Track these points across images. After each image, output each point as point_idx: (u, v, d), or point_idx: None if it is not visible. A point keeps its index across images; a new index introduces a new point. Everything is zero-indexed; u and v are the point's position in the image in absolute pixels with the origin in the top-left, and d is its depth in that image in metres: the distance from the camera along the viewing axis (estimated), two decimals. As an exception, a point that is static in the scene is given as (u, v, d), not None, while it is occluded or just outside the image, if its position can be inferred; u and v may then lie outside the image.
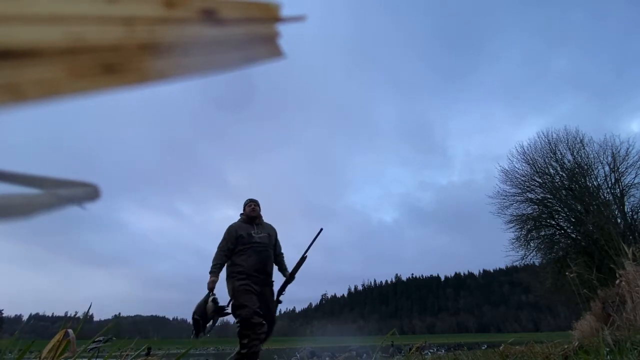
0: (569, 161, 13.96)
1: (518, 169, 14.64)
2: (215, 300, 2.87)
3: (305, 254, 3.25)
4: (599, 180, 13.51)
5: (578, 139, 13.99)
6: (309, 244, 3.28)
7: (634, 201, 12.96)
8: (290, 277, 3.23)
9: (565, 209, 13.72)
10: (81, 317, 1.72)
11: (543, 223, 14.09)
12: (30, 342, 1.51)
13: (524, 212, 14.34)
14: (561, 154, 14.09)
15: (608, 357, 1.81)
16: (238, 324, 2.85)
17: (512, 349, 2.77)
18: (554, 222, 14.02)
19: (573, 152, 13.94)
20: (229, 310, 2.96)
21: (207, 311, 2.85)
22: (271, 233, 3.24)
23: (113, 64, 0.19)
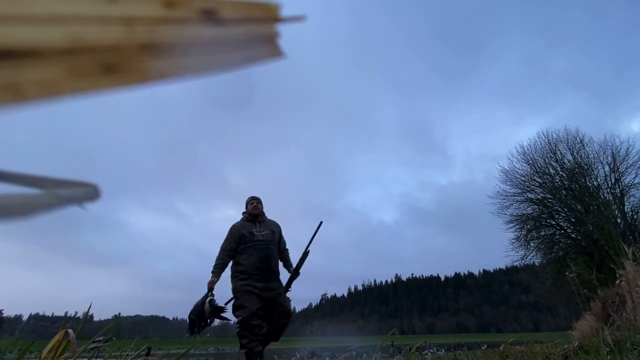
0: (569, 161, 13.97)
1: (518, 169, 14.66)
2: (212, 302, 2.87)
3: (308, 249, 3.26)
4: (599, 180, 13.53)
5: (578, 139, 14.00)
6: (310, 238, 3.29)
7: (634, 201, 12.98)
8: (294, 273, 3.23)
9: (565, 209, 13.72)
10: (81, 317, 1.72)
11: (543, 223, 14.09)
12: (30, 342, 1.51)
13: (524, 212, 14.36)
14: (561, 154, 14.10)
15: (608, 357, 1.81)
16: (238, 325, 2.87)
17: (512, 349, 2.77)
18: (554, 222, 14.02)
19: (573, 152, 13.95)
20: (228, 310, 2.96)
21: (204, 312, 2.86)
22: (274, 230, 3.23)
23: (113, 64, 0.19)
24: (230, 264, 3.11)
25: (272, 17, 0.22)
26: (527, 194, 14.36)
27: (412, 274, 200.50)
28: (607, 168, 13.43)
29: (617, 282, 4.02)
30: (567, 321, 11.12)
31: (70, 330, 1.36)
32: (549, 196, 14.05)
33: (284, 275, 3.27)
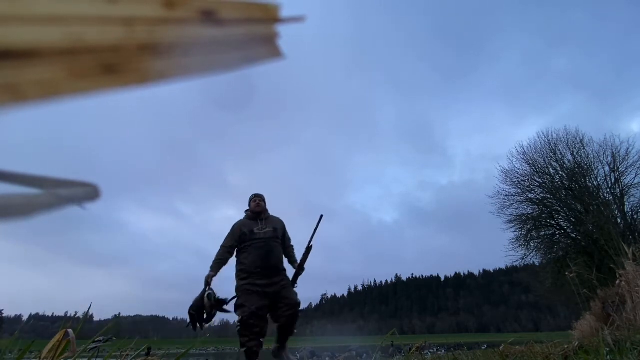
0: (569, 161, 13.98)
1: (518, 169, 14.67)
2: (210, 296, 2.86)
3: (311, 244, 3.26)
4: (599, 180, 13.53)
5: (578, 139, 14.01)
6: (312, 233, 3.29)
7: (634, 201, 12.98)
8: (299, 269, 3.23)
9: (565, 209, 13.73)
10: (81, 317, 1.72)
11: (543, 223, 14.09)
12: (30, 342, 1.51)
13: (524, 212, 14.36)
14: (561, 154, 14.11)
15: (608, 357, 1.81)
16: (238, 324, 2.89)
17: (512, 349, 2.77)
18: (554, 222, 14.03)
19: (573, 152, 13.96)
20: (229, 304, 2.95)
21: (204, 306, 2.85)
22: (277, 226, 3.21)
23: (113, 64, 0.19)
24: (235, 263, 3.12)
25: (271, 17, 0.22)
26: (527, 194, 14.38)
27: (412, 274, 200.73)
28: (607, 168, 13.45)
29: (617, 282, 4.02)
30: (567, 321, 11.12)
31: (70, 330, 1.36)
32: (549, 196, 14.05)
33: (290, 271, 3.26)
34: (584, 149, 13.85)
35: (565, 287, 11.56)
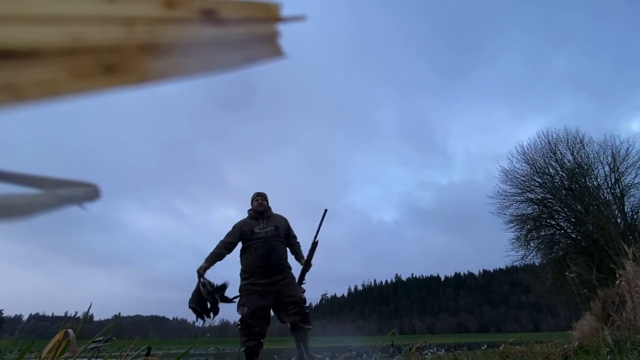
0: (569, 161, 13.97)
1: (518, 169, 14.66)
2: (205, 285, 2.83)
3: (316, 239, 3.22)
4: (599, 180, 13.53)
5: (578, 139, 14.01)
6: (317, 227, 3.24)
7: (634, 201, 12.98)
8: (306, 265, 3.19)
9: (565, 209, 13.73)
10: (81, 317, 1.72)
11: (543, 223, 14.09)
12: (30, 342, 1.51)
13: (524, 212, 14.36)
14: (561, 154, 14.10)
15: (608, 357, 1.81)
16: (239, 323, 2.89)
17: (512, 349, 2.77)
18: (554, 222, 14.03)
19: (573, 152, 13.95)
20: (228, 290, 2.92)
21: (202, 297, 2.81)
22: (279, 225, 3.17)
23: (113, 64, 0.19)
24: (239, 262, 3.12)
25: (272, 17, 0.22)
26: (527, 194, 14.37)
27: (412, 274, 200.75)
28: (607, 168, 13.45)
29: (617, 282, 4.01)
30: (567, 321, 11.13)
31: (70, 330, 1.36)
32: (549, 196, 14.05)
33: (297, 268, 3.23)
34: (584, 149, 13.86)
35: (565, 287, 11.56)
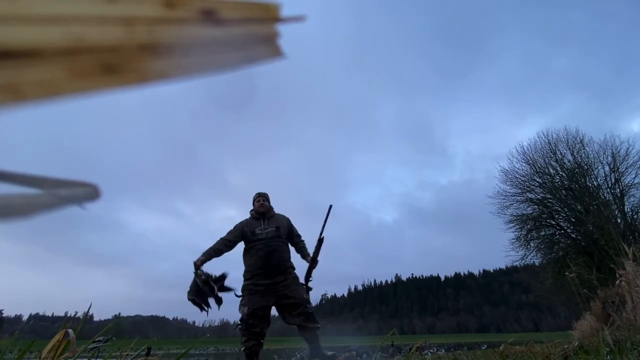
0: (569, 161, 13.98)
1: (518, 169, 14.67)
2: (200, 276, 2.81)
3: (322, 235, 3.17)
4: (599, 180, 13.53)
5: (578, 139, 14.01)
6: (322, 224, 3.19)
7: (634, 201, 12.98)
8: (312, 262, 3.14)
9: (565, 209, 13.73)
10: (81, 317, 1.72)
11: (543, 223, 14.10)
12: (30, 342, 1.51)
13: (524, 212, 14.36)
14: (561, 154, 14.11)
15: (608, 357, 1.81)
16: (239, 323, 2.90)
17: (512, 349, 2.77)
18: (554, 222, 14.03)
19: (573, 152, 13.96)
20: (226, 279, 2.90)
21: (200, 289, 2.79)
22: (280, 225, 3.13)
23: (113, 64, 0.19)
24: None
25: (272, 17, 0.22)
26: (527, 194, 14.38)
27: (412, 274, 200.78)
28: (607, 168, 13.45)
29: (617, 282, 4.02)
30: (567, 321, 11.13)
31: (70, 330, 1.36)
32: (549, 196, 14.06)
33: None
34: (584, 149, 13.87)
35: (565, 287, 11.56)
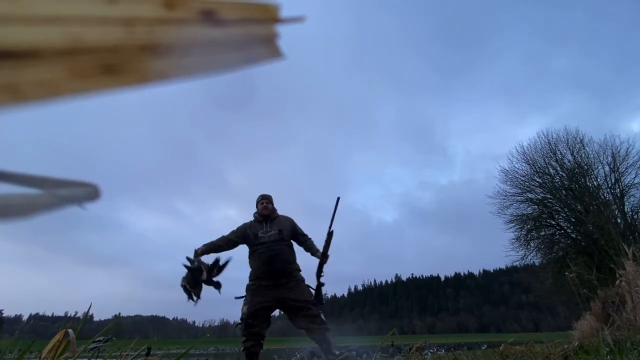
0: (569, 161, 13.98)
1: (518, 169, 14.68)
2: (193, 262, 2.74)
3: (331, 229, 3.09)
4: (599, 180, 13.54)
5: (578, 139, 14.02)
6: (331, 217, 3.11)
7: (634, 201, 12.99)
8: (323, 257, 3.07)
9: (565, 209, 13.73)
10: (81, 317, 1.73)
11: (543, 223, 14.10)
12: (30, 342, 1.51)
13: (524, 212, 14.37)
14: (561, 154, 14.12)
15: (608, 357, 1.81)
16: (239, 322, 2.90)
17: (512, 349, 2.77)
18: (554, 222, 14.04)
19: (573, 152, 13.97)
20: (219, 263, 2.83)
21: (193, 276, 2.72)
22: (284, 227, 3.09)
23: (113, 64, 0.19)
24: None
25: (271, 17, 0.23)
26: (527, 194, 14.38)
27: (412, 274, 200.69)
28: (607, 168, 13.46)
29: (617, 282, 4.02)
30: (567, 321, 11.12)
31: (70, 330, 1.36)
32: (549, 196, 14.06)
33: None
34: (584, 149, 13.87)
35: (565, 287, 11.56)
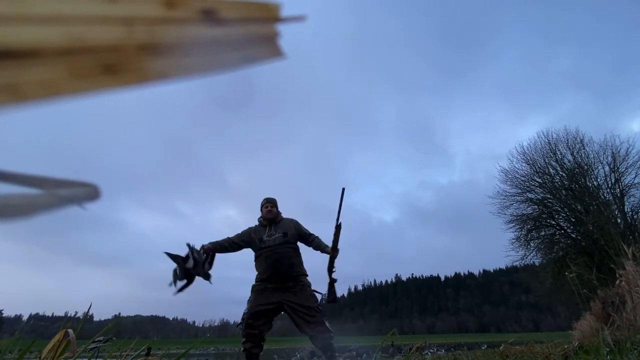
0: (569, 161, 13.98)
1: (518, 169, 14.68)
2: (194, 250, 2.72)
3: (339, 222, 3.03)
4: (599, 180, 13.54)
5: (578, 138, 14.02)
6: (338, 209, 3.04)
7: (634, 201, 12.99)
8: (333, 252, 3.01)
9: (565, 209, 13.73)
10: (81, 317, 1.72)
11: (543, 223, 14.10)
12: (30, 342, 1.51)
13: (524, 212, 14.37)
14: (561, 154, 14.12)
15: (608, 357, 1.81)
16: (240, 321, 2.90)
17: (512, 349, 2.77)
18: (554, 222, 14.04)
19: (573, 152, 13.97)
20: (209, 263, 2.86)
21: (185, 264, 2.69)
22: (287, 230, 3.05)
23: (113, 64, 0.19)
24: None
25: (272, 16, 0.22)
26: (527, 194, 14.38)
27: (412, 274, 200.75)
28: (607, 168, 13.46)
29: (617, 282, 4.02)
30: (567, 321, 11.13)
31: (70, 330, 1.36)
32: (549, 196, 14.06)
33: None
34: (584, 149, 13.87)
35: (565, 287, 11.57)
